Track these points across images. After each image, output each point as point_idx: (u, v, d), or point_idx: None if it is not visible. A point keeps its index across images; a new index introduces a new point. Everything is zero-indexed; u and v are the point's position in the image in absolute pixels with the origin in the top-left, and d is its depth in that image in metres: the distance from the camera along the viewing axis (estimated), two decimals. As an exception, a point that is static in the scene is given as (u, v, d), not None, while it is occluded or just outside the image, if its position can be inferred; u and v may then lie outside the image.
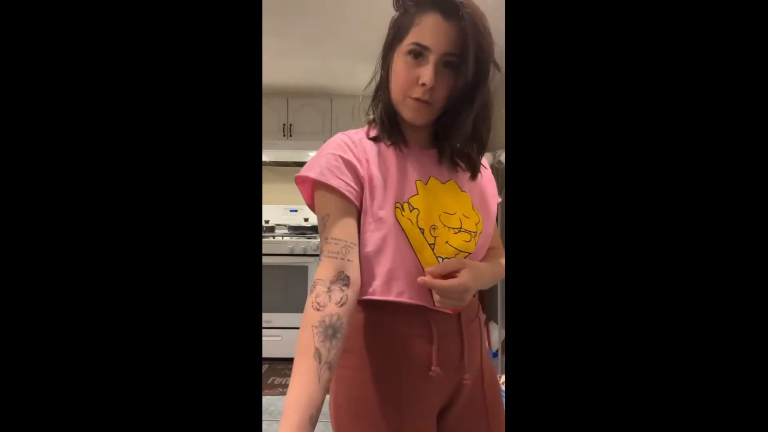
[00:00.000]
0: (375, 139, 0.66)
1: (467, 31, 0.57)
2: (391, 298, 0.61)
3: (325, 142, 0.66)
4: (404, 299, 0.61)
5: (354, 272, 0.58)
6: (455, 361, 0.65)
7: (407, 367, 0.62)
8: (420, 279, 0.60)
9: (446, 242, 0.62)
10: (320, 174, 0.60)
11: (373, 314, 0.63)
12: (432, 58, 0.59)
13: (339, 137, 0.65)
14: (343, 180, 0.60)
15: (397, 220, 0.60)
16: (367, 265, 0.61)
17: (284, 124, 2.82)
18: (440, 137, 0.67)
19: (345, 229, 0.59)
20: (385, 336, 0.62)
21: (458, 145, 0.65)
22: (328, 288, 0.55)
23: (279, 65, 2.40)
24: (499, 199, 0.76)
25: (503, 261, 0.73)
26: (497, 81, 0.62)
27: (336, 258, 0.57)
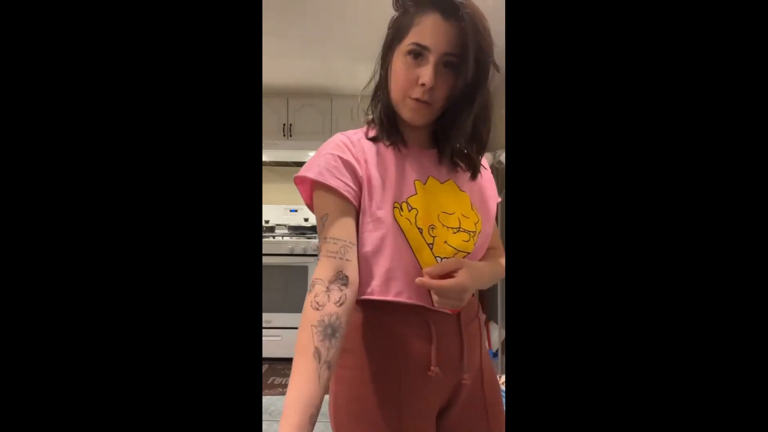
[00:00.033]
0: (374, 139, 0.66)
1: (467, 31, 0.56)
2: (390, 298, 0.61)
3: (324, 142, 0.66)
4: (403, 299, 0.61)
5: (352, 272, 0.58)
6: (454, 361, 0.65)
7: (406, 367, 0.62)
8: (418, 279, 0.60)
9: (445, 242, 0.62)
10: (319, 174, 0.60)
11: (372, 314, 0.63)
12: (432, 59, 0.59)
13: (338, 137, 0.65)
14: (341, 180, 0.60)
15: (396, 220, 0.60)
16: (365, 265, 0.61)
17: (284, 124, 2.81)
18: (440, 137, 0.67)
19: (343, 228, 0.59)
20: (384, 336, 0.62)
21: (458, 145, 0.65)
22: (327, 287, 0.55)
23: (279, 65, 2.40)
24: (499, 199, 0.76)
25: (503, 261, 0.73)
26: (497, 81, 0.62)
27: (335, 257, 0.57)
